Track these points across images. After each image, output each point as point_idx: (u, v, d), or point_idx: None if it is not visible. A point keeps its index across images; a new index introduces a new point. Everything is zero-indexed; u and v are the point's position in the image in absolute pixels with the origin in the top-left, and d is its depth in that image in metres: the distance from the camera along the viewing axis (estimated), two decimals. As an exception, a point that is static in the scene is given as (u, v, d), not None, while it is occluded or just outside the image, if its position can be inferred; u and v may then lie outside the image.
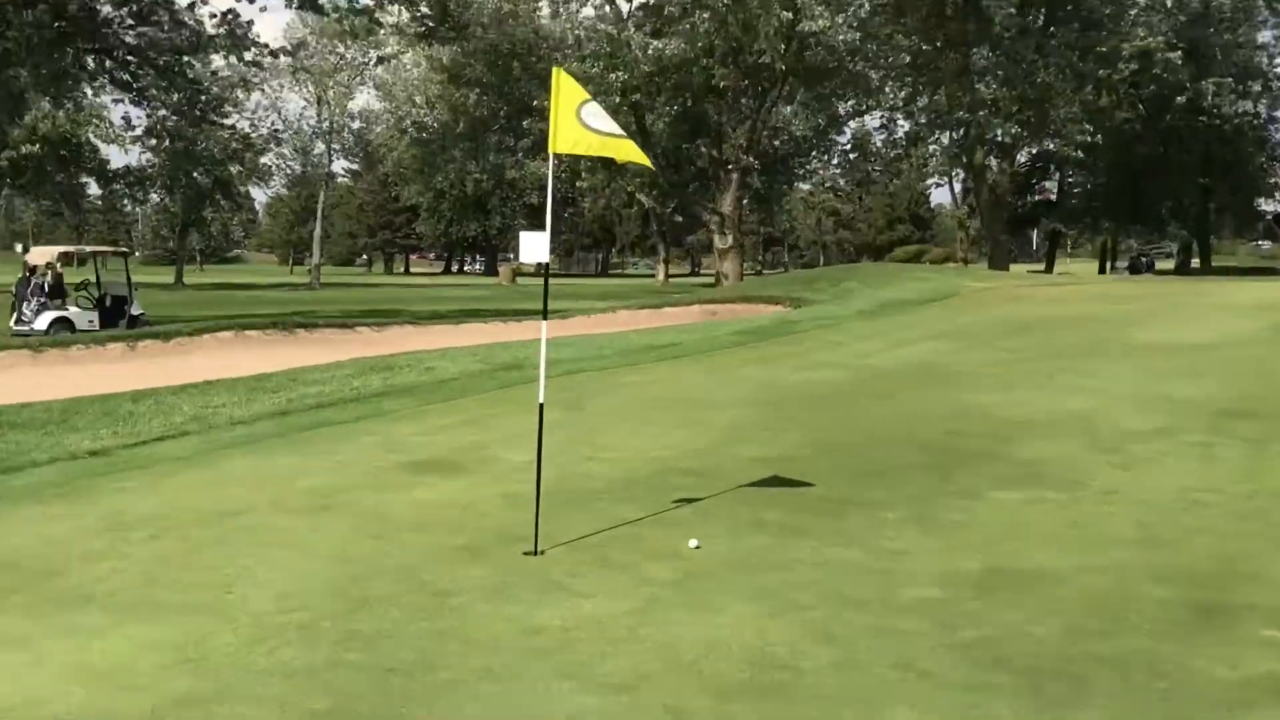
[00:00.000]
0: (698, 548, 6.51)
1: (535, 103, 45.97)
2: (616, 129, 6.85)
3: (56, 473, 9.19)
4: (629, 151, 6.96)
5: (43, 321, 27.12)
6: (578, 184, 55.36)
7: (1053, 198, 70.31)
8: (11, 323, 27.26)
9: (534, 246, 7.05)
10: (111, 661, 5.06)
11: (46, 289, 27.93)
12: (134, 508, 7.88)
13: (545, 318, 7.41)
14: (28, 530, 7.37)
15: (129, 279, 30.55)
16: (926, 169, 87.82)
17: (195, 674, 4.92)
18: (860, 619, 5.57)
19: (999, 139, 47.46)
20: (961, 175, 76.36)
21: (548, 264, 7.37)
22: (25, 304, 27.47)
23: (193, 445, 10.37)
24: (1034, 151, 60.64)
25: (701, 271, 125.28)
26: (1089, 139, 47.26)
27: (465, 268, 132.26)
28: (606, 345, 19.47)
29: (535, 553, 6.69)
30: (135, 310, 29.72)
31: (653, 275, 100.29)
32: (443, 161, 57.19)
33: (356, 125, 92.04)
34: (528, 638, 5.33)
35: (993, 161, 51.79)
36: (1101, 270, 73.76)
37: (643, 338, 21.32)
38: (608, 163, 61.38)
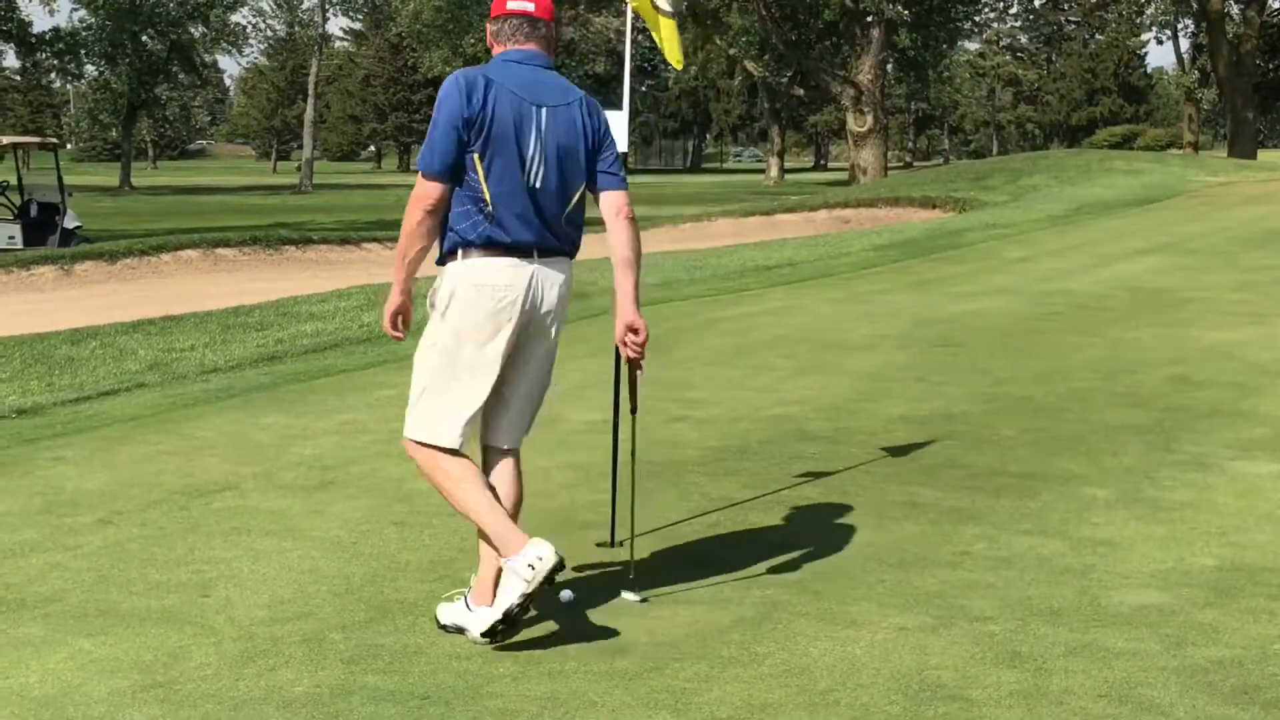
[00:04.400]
0: (572, 601, 5.93)
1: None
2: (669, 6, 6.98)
3: (-26, 438, 9.40)
4: (665, 39, 7.03)
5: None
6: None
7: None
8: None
9: (607, 131, 7.04)
10: (53, 687, 5.17)
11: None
12: (77, 484, 8.06)
13: (622, 228, 7.41)
14: (-60, 514, 7.55)
15: (61, 180, 31.05)
16: (1141, 19, 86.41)
17: (165, 703, 5.03)
18: (1054, 633, 5.57)
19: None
20: (1190, 27, 75.15)
21: (625, 156, 7.37)
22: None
23: (152, 401, 10.56)
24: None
25: (829, 165, 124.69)
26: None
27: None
28: (700, 265, 19.50)
29: (611, 544, 6.76)
30: (70, 222, 30.15)
31: (762, 170, 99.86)
32: (476, 17, 57.30)
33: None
34: (605, 657, 5.39)
35: (1235, 7, 50.72)
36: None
37: (750, 255, 21.32)
38: (701, 19, 61.06)
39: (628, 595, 6.01)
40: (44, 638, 5.64)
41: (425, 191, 5.40)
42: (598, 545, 6.76)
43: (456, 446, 5.55)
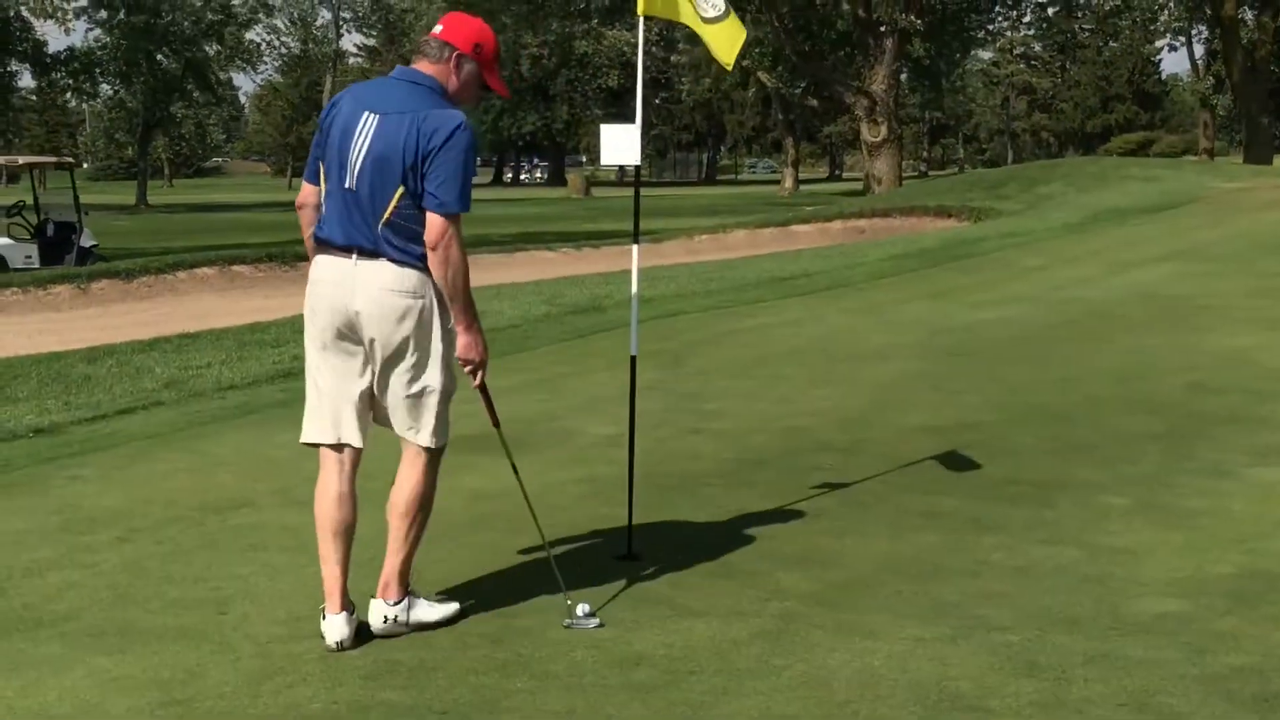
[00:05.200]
0: (590, 615, 5.92)
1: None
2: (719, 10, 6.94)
3: (-8, 458, 9.42)
4: (723, 44, 6.99)
5: (-37, 258, 27.66)
6: (673, 59, 55.34)
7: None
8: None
9: (620, 144, 7.06)
10: (72, 706, 5.19)
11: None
12: (95, 502, 8.06)
13: (636, 241, 7.42)
14: (-42, 533, 7.56)
15: (77, 199, 31.13)
16: (1155, 25, 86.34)
17: (183, 720, 5.05)
18: (1073, 642, 5.55)
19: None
20: (1204, 33, 75.03)
21: (638, 168, 7.38)
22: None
23: (169, 419, 10.58)
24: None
25: (844, 175, 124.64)
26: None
27: (521, 175, 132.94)
28: (716, 277, 19.52)
29: (627, 556, 6.76)
30: (86, 241, 30.22)
31: (777, 182, 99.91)
32: (489, 33, 57.46)
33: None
34: (621, 670, 5.39)
35: (1249, 13, 50.57)
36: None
37: (765, 266, 21.32)
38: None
39: (579, 612, 5.95)
40: (62, 656, 5.65)
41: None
42: (614, 558, 6.76)
43: (309, 443, 6.15)
